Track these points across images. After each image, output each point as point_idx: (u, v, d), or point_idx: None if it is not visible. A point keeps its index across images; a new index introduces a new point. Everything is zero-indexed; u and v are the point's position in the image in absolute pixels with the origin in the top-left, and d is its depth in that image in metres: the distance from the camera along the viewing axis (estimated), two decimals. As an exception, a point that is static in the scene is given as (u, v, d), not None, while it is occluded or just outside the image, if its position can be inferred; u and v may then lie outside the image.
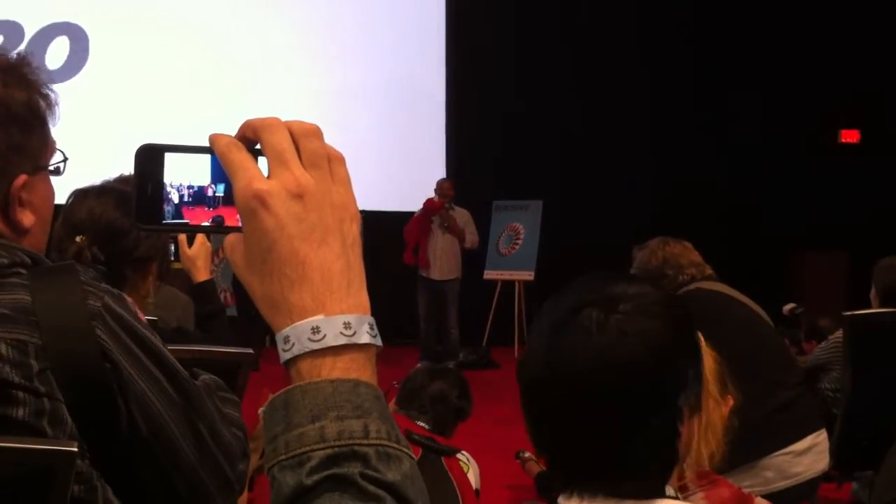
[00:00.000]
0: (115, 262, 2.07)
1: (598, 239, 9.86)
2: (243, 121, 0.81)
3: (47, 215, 1.32)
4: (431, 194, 9.25)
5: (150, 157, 0.84)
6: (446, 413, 3.17)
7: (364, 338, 0.76)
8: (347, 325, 0.75)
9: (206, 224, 0.86)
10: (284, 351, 0.76)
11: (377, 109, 10.86)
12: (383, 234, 9.95)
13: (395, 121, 10.91)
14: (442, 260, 9.11)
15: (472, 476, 2.94)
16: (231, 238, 0.81)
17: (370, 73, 10.90)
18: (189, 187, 0.85)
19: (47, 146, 1.31)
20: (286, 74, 10.59)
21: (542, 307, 1.29)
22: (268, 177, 0.77)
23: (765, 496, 3.14)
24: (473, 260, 9.74)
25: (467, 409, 3.29)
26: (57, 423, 1.07)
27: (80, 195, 2.14)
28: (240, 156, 0.78)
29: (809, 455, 3.26)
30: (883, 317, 3.84)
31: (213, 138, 0.80)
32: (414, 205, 9.43)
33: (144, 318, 1.22)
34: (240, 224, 0.78)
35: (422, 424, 3.00)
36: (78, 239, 2.02)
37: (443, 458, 2.84)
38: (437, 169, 10.60)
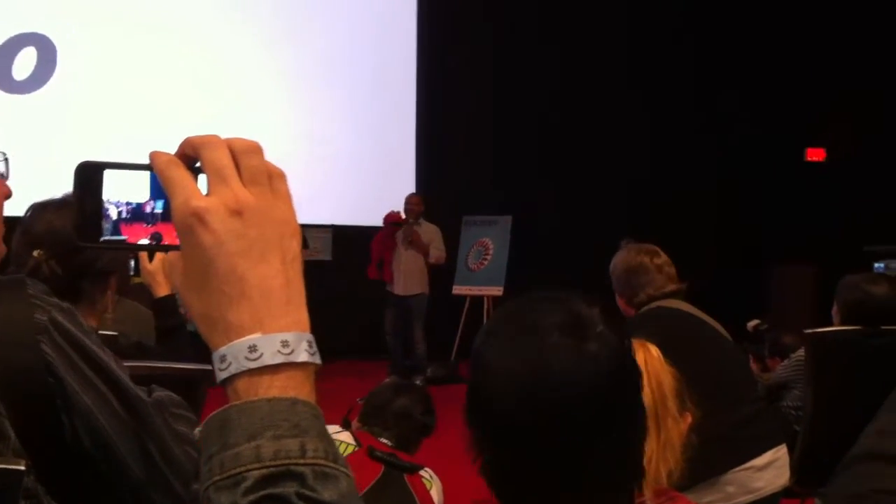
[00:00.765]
0: (73, 277, 2.05)
1: (566, 255, 9.90)
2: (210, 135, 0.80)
3: None
4: (402, 208, 9.23)
5: (90, 175, 0.83)
6: (410, 429, 3.15)
7: (302, 356, 0.75)
8: (285, 344, 0.75)
9: (146, 242, 0.86)
10: (221, 370, 0.75)
11: (348, 124, 10.86)
12: (353, 248, 9.95)
13: (367, 136, 10.91)
14: (406, 275, 9.03)
15: (435, 493, 2.92)
16: (171, 256, 0.80)
17: (341, 87, 10.91)
18: (128, 204, 0.84)
19: None
20: (257, 90, 10.56)
21: (492, 332, 1.27)
22: (207, 194, 0.77)
23: (726, 511, 3.17)
24: (442, 275, 9.73)
25: (431, 424, 3.27)
26: (0, 437, 1.05)
27: (38, 208, 2.11)
28: (178, 173, 0.78)
29: (770, 470, 3.27)
30: (844, 334, 3.88)
31: (152, 156, 0.79)
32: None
33: (100, 332, 1.20)
34: (178, 242, 0.78)
35: (385, 441, 2.97)
36: (36, 253, 2.00)
37: (405, 476, 2.83)
38: (407, 184, 10.61)
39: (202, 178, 0.78)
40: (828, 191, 10.80)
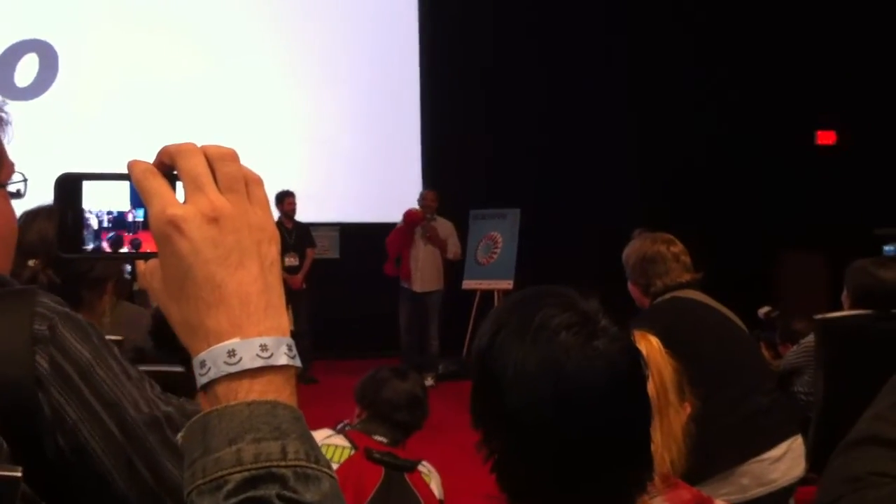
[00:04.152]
0: (70, 284, 2.03)
1: (575, 246, 9.88)
2: (203, 141, 0.81)
3: (6, 234, 1.27)
4: (409, 205, 9.22)
5: (69, 187, 0.84)
6: (407, 416, 3.07)
7: (282, 359, 0.75)
8: (264, 348, 0.75)
9: (125, 251, 0.86)
10: (201, 375, 0.75)
11: (352, 122, 10.86)
12: (361, 246, 9.96)
13: (372, 133, 10.91)
14: (424, 271, 9.06)
15: (435, 486, 2.90)
16: (150, 264, 0.80)
17: (345, 84, 10.91)
18: (109, 213, 0.85)
19: (2, 165, 1.27)
20: (262, 91, 10.57)
21: (499, 333, 1.27)
22: (184, 202, 0.77)
23: (742, 504, 3.14)
24: (452, 269, 9.72)
25: (425, 408, 3.19)
26: None
27: (29, 217, 2.09)
28: (155, 182, 0.78)
29: (785, 461, 3.24)
30: (853, 319, 3.85)
31: (130, 165, 0.80)
32: (392, 216, 9.41)
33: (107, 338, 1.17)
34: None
35: (379, 438, 2.92)
36: (31, 263, 1.98)
37: (406, 475, 2.80)
38: (413, 180, 10.62)
39: (179, 186, 0.79)
40: (838, 174, 10.72)
